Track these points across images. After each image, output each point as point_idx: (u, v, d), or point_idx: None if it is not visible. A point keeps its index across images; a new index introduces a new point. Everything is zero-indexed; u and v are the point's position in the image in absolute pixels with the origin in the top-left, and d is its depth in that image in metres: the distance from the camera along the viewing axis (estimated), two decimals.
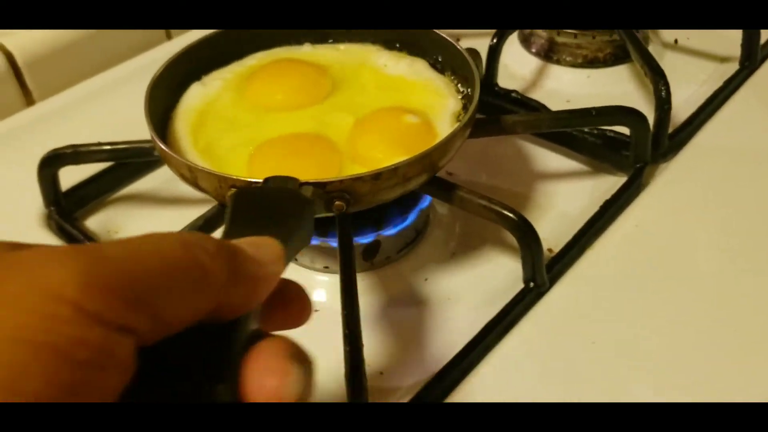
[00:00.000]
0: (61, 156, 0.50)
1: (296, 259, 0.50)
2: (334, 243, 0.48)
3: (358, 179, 0.40)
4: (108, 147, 0.50)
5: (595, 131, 0.55)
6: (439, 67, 0.53)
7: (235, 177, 0.40)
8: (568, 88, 0.67)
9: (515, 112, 0.60)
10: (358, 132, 0.48)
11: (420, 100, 0.50)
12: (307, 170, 0.42)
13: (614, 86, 0.66)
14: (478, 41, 0.72)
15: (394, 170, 0.40)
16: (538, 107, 0.59)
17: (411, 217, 0.49)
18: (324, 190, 0.40)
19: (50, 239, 0.52)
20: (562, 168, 0.58)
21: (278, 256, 0.27)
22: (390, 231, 0.49)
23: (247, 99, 0.51)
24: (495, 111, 0.60)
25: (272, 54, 0.55)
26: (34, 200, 0.54)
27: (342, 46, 0.56)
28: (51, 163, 0.51)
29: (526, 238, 0.43)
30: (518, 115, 0.50)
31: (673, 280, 0.46)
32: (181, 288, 0.23)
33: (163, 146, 0.43)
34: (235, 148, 0.48)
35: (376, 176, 0.40)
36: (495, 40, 0.60)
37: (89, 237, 0.52)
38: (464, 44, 0.52)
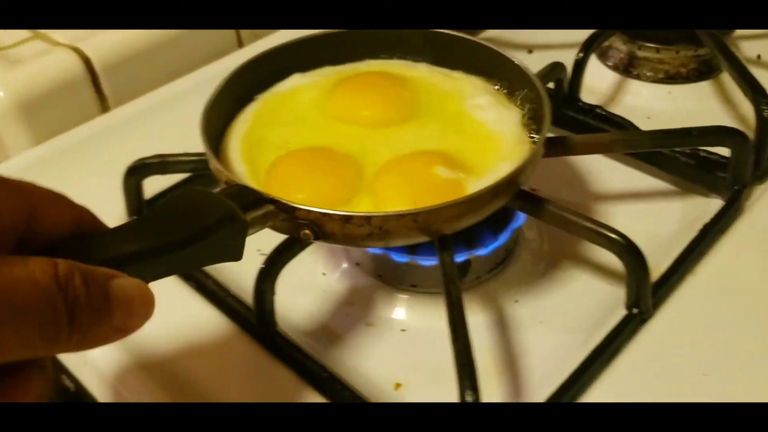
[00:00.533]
0: (148, 165, 0.49)
1: (380, 276, 0.49)
2: (423, 261, 0.47)
3: (327, 215, 0.39)
4: (195, 158, 0.49)
5: (688, 151, 0.54)
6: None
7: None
8: (649, 103, 0.65)
9: (600, 128, 0.58)
10: (384, 168, 0.46)
11: (482, 151, 0.47)
12: (313, 190, 0.44)
13: (697, 103, 0.64)
14: (556, 54, 0.71)
15: (366, 218, 0.39)
16: (624, 124, 0.58)
17: (504, 237, 0.48)
18: (292, 215, 0.39)
19: None
20: (649, 188, 0.56)
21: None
22: (483, 251, 0.47)
23: (327, 104, 0.51)
24: (579, 126, 0.59)
25: (380, 65, 0.55)
26: (114, 207, 0.53)
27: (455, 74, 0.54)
28: (137, 172, 0.50)
29: (634, 263, 0.42)
30: (615, 134, 0.48)
31: None
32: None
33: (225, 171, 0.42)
34: (280, 146, 0.48)
35: (346, 219, 0.39)
36: (581, 54, 0.59)
37: None
38: (539, 56, 0.51)
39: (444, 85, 0.52)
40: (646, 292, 0.43)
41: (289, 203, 0.39)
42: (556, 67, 0.54)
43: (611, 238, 0.42)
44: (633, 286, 0.43)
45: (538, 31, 0.74)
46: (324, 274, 0.51)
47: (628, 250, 0.42)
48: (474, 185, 0.44)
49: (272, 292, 0.43)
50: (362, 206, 0.44)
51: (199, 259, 0.36)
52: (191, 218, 0.35)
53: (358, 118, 0.50)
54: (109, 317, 0.28)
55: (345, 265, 0.51)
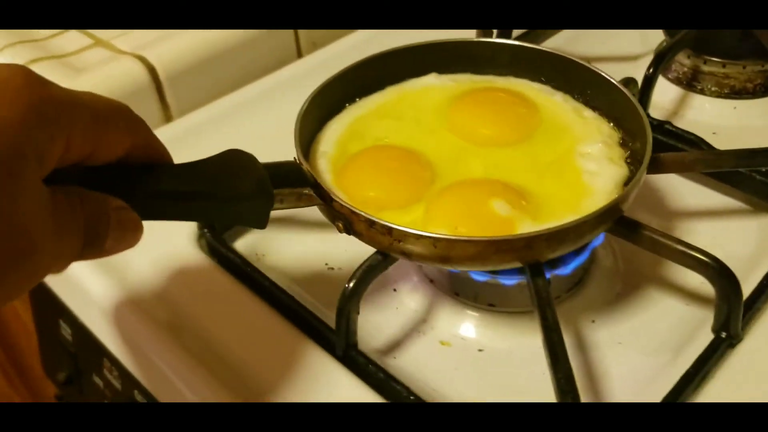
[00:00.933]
0: None
1: (456, 294, 0.49)
2: (503, 280, 0.47)
3: (355, 214, 0.40)
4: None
5: (764, 169, 0.53)
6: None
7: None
8: (713, 119, 0.64)
9: (671, 144, 0.57)
10: (449, 185, 0.46)
11: (561, 199, 0.46)
12: (374, 187, 0.46)
13: (763, 119, 0.63)
14: (616, 67, 0.71)
15: (388, 229, 0.40)
16: (695, 140, 0.57)
17: (585, 255, 0.47)
18: (329, 204, 0.42)
19: (203, 259, 0.51)
20: (723, 206, 0.55)
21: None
22: (565, 270, 0.47)
23: (445, 110, 0.52)
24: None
25: (518, 84, 0.54)
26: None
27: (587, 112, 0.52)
28: None
29: (727, 287, 0.41)
30: (697, 152, 0.48)
31: None
32: (110, 121, 0.33)
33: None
34: (377, 138, 0.50)
35: (371, 223, 0.40)
36: (651, 70, 0.58)
37: (241, 257, 0.51)
38: (609, 72, 0.50)
39: (568, 120, 0.51)
40: (737, 317, 0.42)
41: (328, 192, 0.41)
42: (629, 83, 0.53)
43: (703, 261, 0.41)
44: (723, 310, 0.42)
45: (596, 42, 0.74)
46: (395, 290, 0.51)
47: (721, 273, 0.41)
48: (524, 227, 0.42)
49: (357, 311, 0.42)
50: (413, 214, 0.44)
51: (219, 215, 0.40)
52: (226, 178, 0.38)
53: (466, 133, 0.49)
54: (102, 242, 0.33)
55: (416, 279, 0.51)
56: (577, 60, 0.51)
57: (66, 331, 0.57)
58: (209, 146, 0.41)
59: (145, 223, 0.36)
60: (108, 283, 0.49)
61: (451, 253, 0.39)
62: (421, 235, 0.39)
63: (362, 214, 0.40)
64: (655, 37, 0.72)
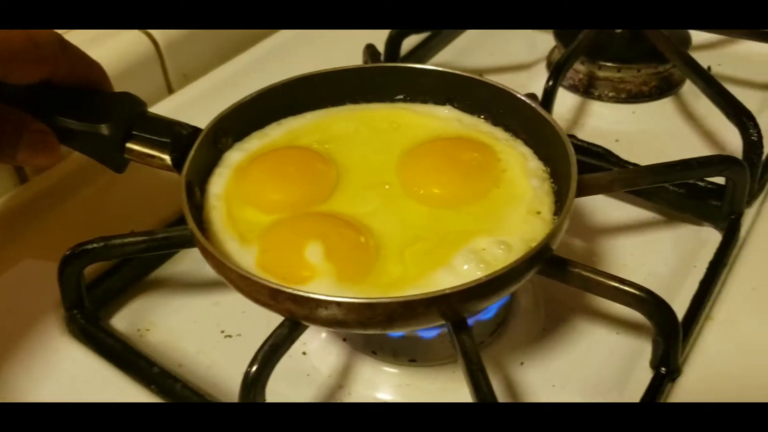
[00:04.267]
0: (89, 252, 0.42)
1: (374, 353, 0.44)
2: (424, 334, 0.42)
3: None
4: (145, 238, 0.42)
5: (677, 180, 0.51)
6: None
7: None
8: (614, 125, 0.62)
9: (577, 160, 0.54)
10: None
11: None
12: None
13: (662, 121, 0.62)
14: (508, 77, 0.68)
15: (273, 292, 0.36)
16: (603, 153, 0.54)
17: (507, 295, 0.43)
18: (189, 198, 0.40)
19: (75, 348, 0.44)
20: (635, 221, 0.53)
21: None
22: (486, 315, 0.43)
23: None
24: None
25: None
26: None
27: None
28: (76, 261, 0.42)
29: (666, 323, 0.38)
30: (615, 173, 0.45)
31: None
32: (18, 52, 0.38)
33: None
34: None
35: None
36: (551, 83, 0.55)
37: (119, 339, 0.44)
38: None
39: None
40: (676, 351, 0.39)
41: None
42: (531, 99, 0.49)
43: (639, 296, 0.38)
44: (662, 345, 0.39)
45: (485, 54, 0.71)
46: (305, 353, 0.45)
47: (658, 308, 0.38)
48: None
49: (263, 399, 0.36)
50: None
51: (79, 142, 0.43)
52: (98, 106, 0.43)
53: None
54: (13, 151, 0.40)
55: (327, 339, 0.45)
56: (487, 81, 0.47)
57: None
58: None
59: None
60: None
61: (363, 317, 0.34)
62: (332, 301, 0.34)
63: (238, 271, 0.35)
64: (544, 42, 0.70)
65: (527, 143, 0.45)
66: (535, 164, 0.43)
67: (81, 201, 0.54)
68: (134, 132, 0.42)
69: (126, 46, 0.60)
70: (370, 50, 0.58)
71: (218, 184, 0.42)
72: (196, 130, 0.42)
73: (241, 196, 0.41)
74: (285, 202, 0.41)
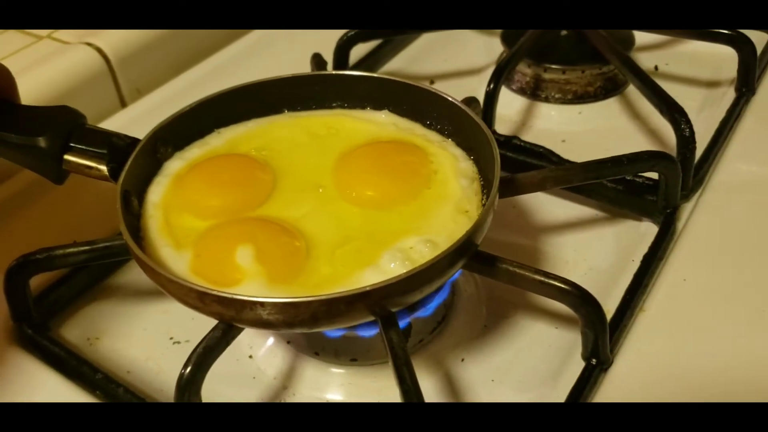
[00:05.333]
0: (33, 263, 0.43)
1: (317, 353, 0.45)
2: (362, 333, 0.43)
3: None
4: (86, 248, 0.43)
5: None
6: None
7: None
8: (561, 126, 0.63)
9: (520, 161, 0.56)
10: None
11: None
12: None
13: (608, 120, 0.63)
14: (458, 83, 0.69)
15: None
16: (544, 153, 0.55)
17: (444, 293, 0.45)
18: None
19: (22, 357, 0.45)
20: (577, 218, 0.54)
21: None
22: (425, 312, 0.44)
23: None
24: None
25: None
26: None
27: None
28: (21, 272, 0.43)
29: (591, 315, 0.39)
30: (547, 171, 0.46)
31: (740, 334, 0.43)
32: None
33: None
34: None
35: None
36: (492, 85, 0.56)
37: (65, 348, 0.45)
38: (441, 87, 0.48)
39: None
40: (604, 342, 0.40)
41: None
42: (471, 102, 0.51)
43: (564, 289, 0.39)
44: (590, 337, 0.40)
45: (439, 60, 0.72)
46: (251, 357, 0.46)
47: (583, 300, 0.39)
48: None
49: (198, 399, 0.37)
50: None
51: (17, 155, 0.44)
52: (36, 120, 0.44)
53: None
54: None
55: (272, 342, 0.46)
56: (421, 86, 0.48)
57: None
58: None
59: None
60: None
61: (288, 316, 0.35)
62: (255, 302, 0.34)
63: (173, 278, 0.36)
64: (497, 48, 0.71)
65: (460, 145, 0.46)
66: (466, 165, 0.44)
67: (28, 214, 0.54)
68: (72, 144, 0.43)
69: (75, 63, 0.61)
70: (317, 59, 0.60)
71: (156, 193, 0.43)
72: (134, 141, 0.43)
73: (178, 203, 0.42)
74: (220, 208, 0.42)
